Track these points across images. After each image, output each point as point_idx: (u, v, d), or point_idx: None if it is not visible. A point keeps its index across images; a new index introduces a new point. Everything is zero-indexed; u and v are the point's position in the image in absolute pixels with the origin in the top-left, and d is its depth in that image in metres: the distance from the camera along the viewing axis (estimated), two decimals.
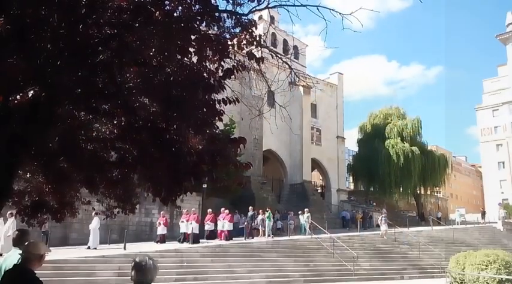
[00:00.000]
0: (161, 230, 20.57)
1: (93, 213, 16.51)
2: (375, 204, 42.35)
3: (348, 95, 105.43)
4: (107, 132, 4.80)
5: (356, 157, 48.72)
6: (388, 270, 20.16)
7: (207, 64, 4.32)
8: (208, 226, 21.68)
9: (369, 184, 45.98)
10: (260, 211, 24.30)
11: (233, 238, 21.23)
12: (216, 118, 4.31)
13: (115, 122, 4.57)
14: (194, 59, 4.25)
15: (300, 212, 26.60)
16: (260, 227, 23.64)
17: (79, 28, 3.62)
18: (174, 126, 4.20)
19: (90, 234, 17.94)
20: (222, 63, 4.34)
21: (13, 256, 4.12)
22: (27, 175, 5.28)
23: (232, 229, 21.63)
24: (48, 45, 3.60)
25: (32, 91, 3.85)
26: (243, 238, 21.82)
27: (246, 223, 23.00)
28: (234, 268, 16.53)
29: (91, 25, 3.70)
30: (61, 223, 5.78)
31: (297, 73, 6.25)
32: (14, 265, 3.76)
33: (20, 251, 4.14)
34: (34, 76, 3.54)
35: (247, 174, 26.33)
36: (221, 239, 21.16)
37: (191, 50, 4.11)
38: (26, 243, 3.74)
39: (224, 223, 21.48)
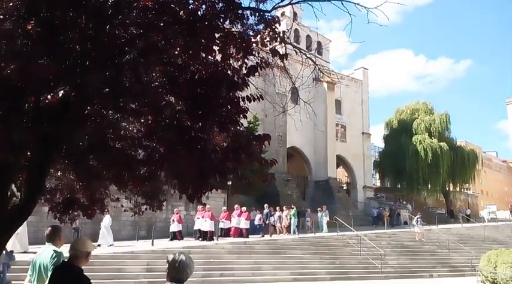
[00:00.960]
0: (175, 227, 20.14)
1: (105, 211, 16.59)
2: (404, 202, 41.57)
3: (374, 90, 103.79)
4: (135, 131, 4.89)
5: (382, 154, 47.98)
6: (416, 268, 19.82)
7: (231, 62, 4.32)
8: (223, 224, 21.21)
9: (396, 181, 45.21)
10: (277, 208, 24.08)
11: (249, 236, 20.94)
12: (240, 115, 4.31)
13: (142, 121, 4.64)
14: (218, 57, 4.27)
15: (319, 209, 26.42)
16: (277, 224, 23.46)
17: (106, 29, 3.70)
18: (199, 124, 4.23)
19: (101, 232, 17.70)
20: (246, 60, 4.33)
21: (46, 252, 4.25)
22: (59, 173, 5.43)
23: (249, 226, 21.41)
24: (77, 46, 3.69)
25: (62, 91, 3.96)
26: (259, 235, 21.58)
27: (261, 220, 22.91)
28: (259, 264, 16.61)
29: (117, 25, 3.77)
30: (91, 219, 5.92)
31: (321, 69, 6.19)
32: (63, 261, 3.87)
33: (54, 247, 4.28)
34: (64, 76, 3.63)
35: (272, 171, 26.33)
36: (234, 236, 20.86)
37: (215, 48, 4.12)
38: (74, 240, 3.84)
39: (240, 221, 21.24)
